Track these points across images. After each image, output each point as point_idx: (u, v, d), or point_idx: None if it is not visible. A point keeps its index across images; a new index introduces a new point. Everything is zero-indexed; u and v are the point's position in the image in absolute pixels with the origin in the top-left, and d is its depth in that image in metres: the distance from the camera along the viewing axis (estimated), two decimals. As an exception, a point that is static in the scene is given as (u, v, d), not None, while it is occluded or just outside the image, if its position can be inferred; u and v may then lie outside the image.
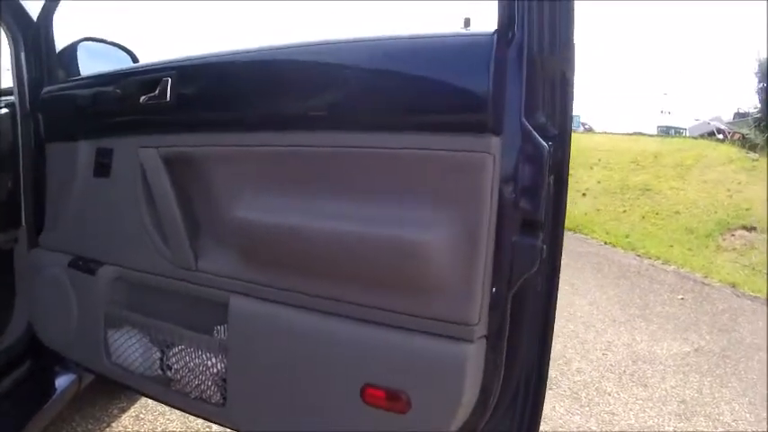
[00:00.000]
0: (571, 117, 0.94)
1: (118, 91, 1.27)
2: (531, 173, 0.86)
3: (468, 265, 0.87)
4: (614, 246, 5.68)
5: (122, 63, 1.72)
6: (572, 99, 0.91)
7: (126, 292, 1.29)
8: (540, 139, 0.86)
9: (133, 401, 1.94)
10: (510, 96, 0.86)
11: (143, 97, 1.21)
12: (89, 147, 1.36)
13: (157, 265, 1.20)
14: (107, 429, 1.83)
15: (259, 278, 1.07)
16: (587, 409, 2.28)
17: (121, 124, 1.30)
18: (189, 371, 1.15)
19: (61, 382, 1.60)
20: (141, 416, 1.91)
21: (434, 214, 0.89)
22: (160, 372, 1.21)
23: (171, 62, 1.23)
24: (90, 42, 1.69)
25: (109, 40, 1.76)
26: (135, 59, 1.78)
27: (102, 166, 1.32)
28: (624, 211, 7.05)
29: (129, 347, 1.25)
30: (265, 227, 1.05)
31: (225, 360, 1.11)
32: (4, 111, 1.56)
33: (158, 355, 1.20)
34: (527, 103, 0.86)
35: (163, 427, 1.85)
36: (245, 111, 1.10)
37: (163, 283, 1.21)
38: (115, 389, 1.81)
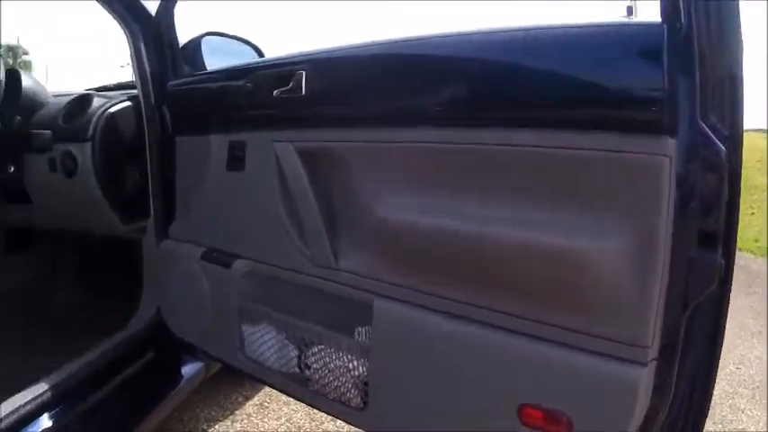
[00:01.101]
0: (742, 117, 0.83)
1: (250, 85, 1.26)
2: (708, 179, 0.78)
3: (642, 281, 0.79)
4: (742, 250, 5.27)
5: (246, 57, 1.72)
6: (743, 97, 0.80)
7: (261, 286, 1.28)
8: (718, 142, 0.77)
9: (257, 390, 1.97)
10: (683, 93, 0.77)
11: (276, 91, 1.18)
12: (221, 140, 1.37)
13: (295, 261, 1.19)
14: (230, 417, 1.87)
15: (405, 281, 1.03)
16: (720, 426, 2.13)
17: (254, 118, 1.29)
18: (328, 372, 1.14)
19: (188, 369, 1.64)
20: (266, 404, 1.94)
21: (602, 222, 0.81)
22: (297, 370, 1.19)
23: (304, 55, 1.20)
24: (213, 37, 1.71)
25: (231, 34, 1.77)
26: (260, 54, 1.77)
27: (236, 160, 1.32)
28: (752, 214, 6.56)
29: (265, 343, 1.25)
30: (410, 228, 1.01)
31: (367, 364, 1.08)
32: (128, 104, 1.59)
33: (296, 353, 1.19)
34: (701, 101, 0.77)
35: (287, 416, 1.87)
36: (384, 105, 1.06)
37: (300, 279, 1.19)
38: (240, 377, 1.84)
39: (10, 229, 2.05)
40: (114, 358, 1.52)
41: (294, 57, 1.22)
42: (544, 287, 0.88)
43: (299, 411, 1.86)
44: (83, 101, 1.58)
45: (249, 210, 1.29)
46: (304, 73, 1.14)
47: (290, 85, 1.16)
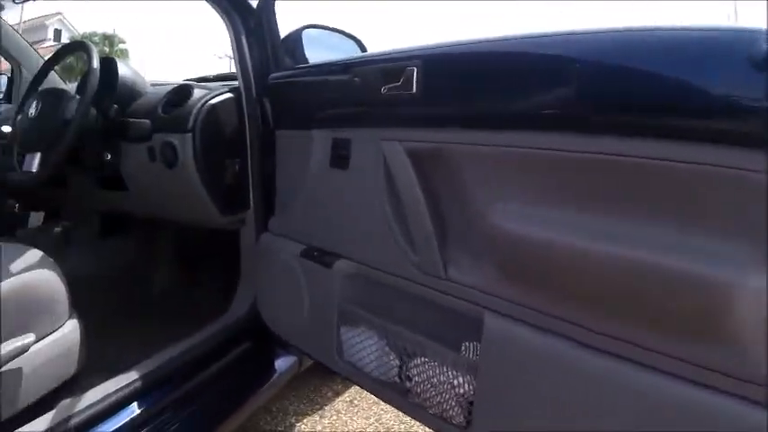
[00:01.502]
0: None
1: (356, 80, 1.22)
2: None
3: None
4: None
5: (347, 51, 1.68)
6: None
7: (363, 289, 1.24)
8: None
9: (348, 386, 1.96)
10: None
11: (384, 87, 1.13)
12: (324, 136, 1.33)
13: (401, 266, 1.14)
14: (320, 411, 1.87)
15: (520, 298, 0.95)
16: None
17: (361, 115, 1.24)
18: (431, 386, 1.08)
19: (281, 363, 1.64)
20: (356, 402, 1.92)
21: (752, 251, 0.70)
22: (397, 380, 1.15)
23: (416, 50, 1.14)
24: (313, 29, 1.68)
25: (332, 26, 1.74)
26: (362, 48, 1.73)
27: (340, 158, 1.28)
28: None
29: (365, 348, 1.21)
30: (528, 240, 0.93)
31: (473, 382, 1.02)
32: (229, 95, 1.58)
33: (397, 362, 1.14)
34: None
35: (377, 416, 1.84)
36: (502, 107, 0.97)
37: (405, 286, 1.14)
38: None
39: (105, 214, 2.14)
40: (211, 347, 1.53)
41: (404, 51, 1.16)
42: (682, 319, 0.78)
43: (388, 412, 1.82)
44: (183, 91, 1.59)
45: (353, 210, 1.25)
46: (415, 69, 1.08)
47: (400, 81, 1.10)
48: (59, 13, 29.50)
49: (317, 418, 1.84)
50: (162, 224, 2.01)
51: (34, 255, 1.28)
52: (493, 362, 0.99)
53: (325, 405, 1.90)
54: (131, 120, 1.55)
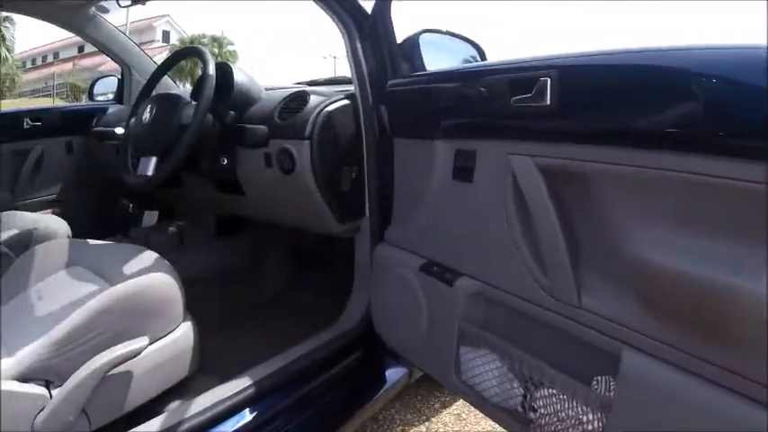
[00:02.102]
0: None
1: (483, 90, 1.16)
2: None
3: None
4: None
5: (465, 57, 1.63)
6: None
7: (486, 310, 1.20)
8: None
9: (455, 399, 1.92)
10: None
11: (514, 98, 1.07)
12: (446, 147, 1.29)
13: (528, 289, 1.08)
14: (426, 423, 1.84)
15: (665, 336, 0.86)
16: None
17: (487, 126, 1.19)
18: (558, 420, 1.01)
19: (392, 373, 1.63)
20: (463, 416, 1.87)
21: None
22: (520, 409, 1.09)
23: (549, 59, 1.06)
24: (430, 34, 1.64)
25: (451, 31, 1.69)
26: (482, 54, 1.68)
27: (464, 170, 1.23)
28: None
29: (485, 372, 1.16)
30: (678, 275, 0.83)
31: (604, 419, 0.94)
32: (345, 102, 1.57)
33: (520, 390, 1.08)
34: None
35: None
36: (648, 122, 0.88)
37: (533, 310, 1.08)
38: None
39: (220, 215, 2.21)
40: (323, 355, 1.53)
41: (536, 60, 1.09)
42: None
43: (497, 428, 1.75)
44: (299, 98, 1.60)
45: (477, 226, 1.20)
46: (549, 80, 1.01)
47: (532, 92, 1.04)
48: (167, 15, 31.39)
49: (424, 429, 1.81)
50: (276, 228, 2.04)
51: (150, 256, 1.32)
52: (629, 401, 0.90)
53: (432, 417, 1.86)
54: (248, 126, 1.59)
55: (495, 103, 1.14)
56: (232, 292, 2.05)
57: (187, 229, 2.15)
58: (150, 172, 1.51)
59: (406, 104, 1.47)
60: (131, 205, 2.17)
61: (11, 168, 2.29)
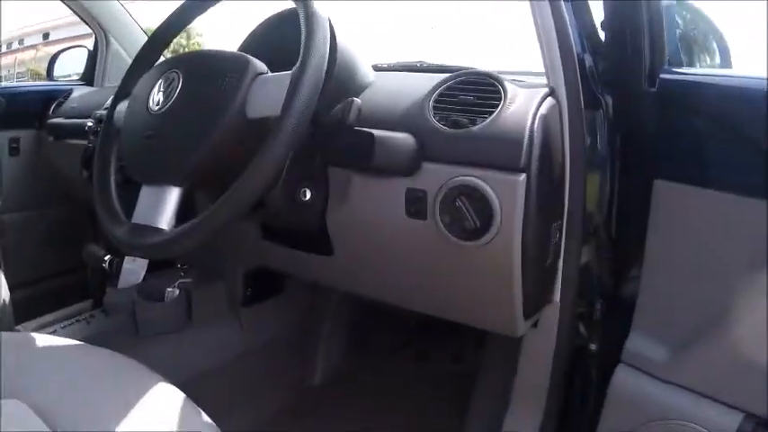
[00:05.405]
0: None
1: None
2: None
3: None
4: None
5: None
6: None
7: None
8: None
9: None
10: None
11: None
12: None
13: None
14: None
15: None
16: None
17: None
18: None
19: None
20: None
21: None
22: None
23: None
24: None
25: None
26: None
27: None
28: None
29: None
30: None
31: None
32: (552, 102, 0.82)
33: None
34: None
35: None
36: None
37: None
38: None
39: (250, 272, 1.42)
40: None
41: None
42: None
43: None
44: (486, 85, 0.84)
45: None
46: None
47: None
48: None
49: None
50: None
51: (160, 394, 0.68)
52: None
53: None
54: (376, 133, 0.81)
55: None
56: (263, 386, 1.35)
57: (199, 291, 1.30)
58: (166, 223, 0.71)
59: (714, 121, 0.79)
60: (105, 253, 1.26)
61: None
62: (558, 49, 0.82)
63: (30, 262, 1.65)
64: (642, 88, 0.84)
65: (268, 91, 0.70)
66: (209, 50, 0.81)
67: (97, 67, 1.85)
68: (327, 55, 0.69)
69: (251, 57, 0.74)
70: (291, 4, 0.78)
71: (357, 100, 0.75)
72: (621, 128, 0.89)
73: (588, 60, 0.88)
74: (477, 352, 1.19)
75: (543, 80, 0.86)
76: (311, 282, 1.22)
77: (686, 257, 0.82)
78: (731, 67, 1.02)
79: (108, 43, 1.81)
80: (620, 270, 0.93)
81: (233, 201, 0.65)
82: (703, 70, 0.92)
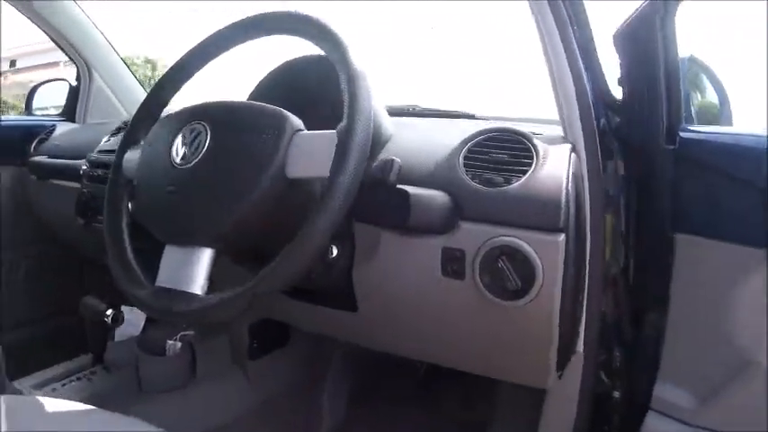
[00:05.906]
0: None
1: None
2: None
3: None
4: None
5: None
6: None
7: None
8: None
9: None
10: None
11: None
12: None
13: None
14: None
15: None
16: None
17: None
18: None
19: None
20: None
21: None
22: None
23: None
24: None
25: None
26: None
27: None
28: None
29: None
30: None
31: None
32: (574, 156, 0.84)
33: None
34: None
35: None
36: None
37: None
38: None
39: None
40: None
41: None
42: None
43: None
44: (516, 142, 0.84)
45: None
46: None
47: None
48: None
49: None
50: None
51: None
52: None
53: None
54: (411, 191, 0.78)
55: None
56: None
57: (202, 344, 1.25)
58: (199, 288, 0.68)
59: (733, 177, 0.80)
60: (106, 307, 1.18)
61: None
62: (576, 105, 0.83)
63: (16, 302, 1.57)
64: (661, 145, 0.86)
65: (311, 149, 0.68)
66: (236, 102, 0.77)
67: (79, 103, 1.77)
68: (372, 112, 0.68)
69: (287, 112, 0.72)
70: (303, 52, 0.78)
71: (397, 159, 0.73)
72: (635, 181, 0.90)
73: (602, 115, 0.90)
74: (489, 398, 1.18)
75: (554, 128, 0.88)
76: (328, 336, 1.18)
77: (710, 308, 0.83)
78: (731, 124, 1.05)
79: (91, 78, 1.73)
80: (640, 318, 0.92)
81: (282, 269, 0.63)
82: (719, 128, 0.94)
